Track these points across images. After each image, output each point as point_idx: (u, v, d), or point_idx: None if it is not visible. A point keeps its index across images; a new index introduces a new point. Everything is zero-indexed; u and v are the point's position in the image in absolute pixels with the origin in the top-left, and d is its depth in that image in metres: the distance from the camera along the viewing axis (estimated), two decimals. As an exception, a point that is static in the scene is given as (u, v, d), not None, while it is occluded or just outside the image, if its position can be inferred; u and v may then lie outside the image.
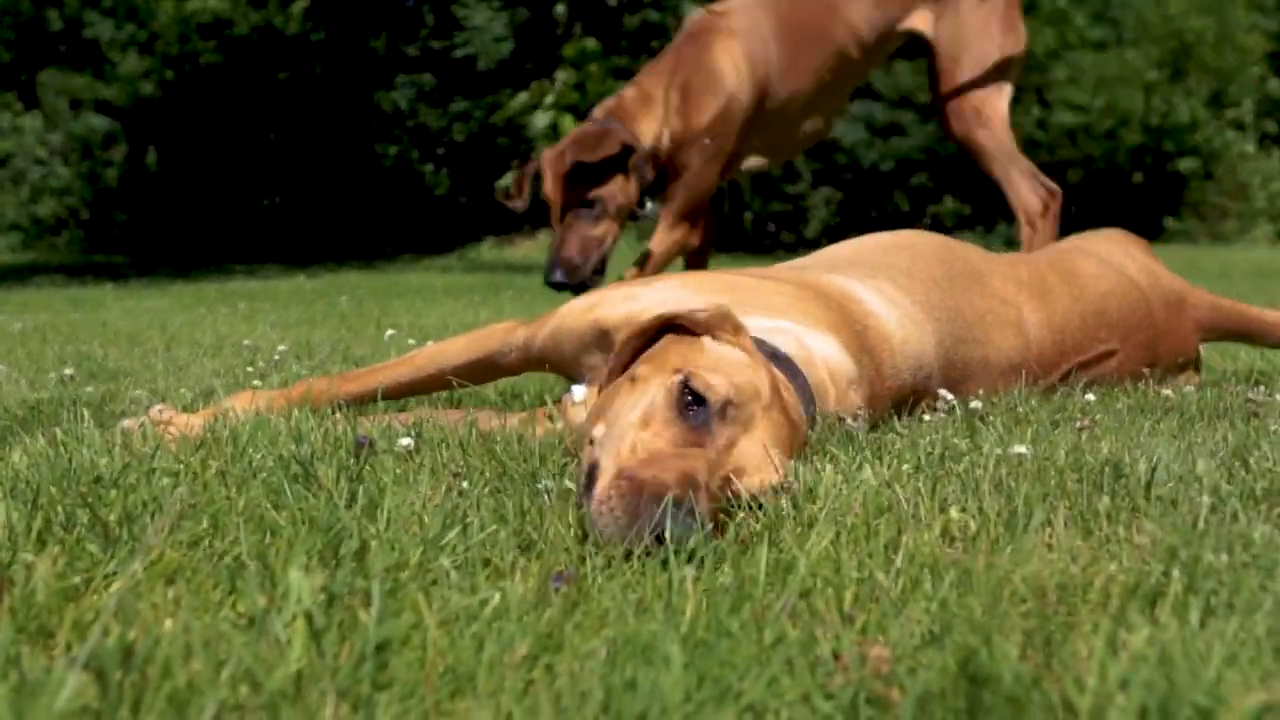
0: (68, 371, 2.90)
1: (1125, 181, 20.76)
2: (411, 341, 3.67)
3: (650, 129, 4.07)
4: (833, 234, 16.24)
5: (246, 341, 3.88)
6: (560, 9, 15.99)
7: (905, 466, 1.58)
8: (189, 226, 20.90)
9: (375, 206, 20.77)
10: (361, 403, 2.24)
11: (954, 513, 1.38)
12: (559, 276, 3.98)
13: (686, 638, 0.99)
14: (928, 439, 1.79)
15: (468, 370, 2.27)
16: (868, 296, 2.09)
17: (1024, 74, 15.87)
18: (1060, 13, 16.06)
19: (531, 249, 14.93)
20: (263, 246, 19.37)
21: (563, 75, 15.35)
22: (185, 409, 2.22)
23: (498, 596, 1.08)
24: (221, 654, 0.94)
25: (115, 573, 1.19)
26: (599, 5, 16.31)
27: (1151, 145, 20.66)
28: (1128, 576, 1.13)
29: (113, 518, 1.36)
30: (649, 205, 4.17)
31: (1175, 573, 1.10)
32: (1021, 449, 1.58)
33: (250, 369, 2.96)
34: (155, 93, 21.81)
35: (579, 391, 1.93)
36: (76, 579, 1.14)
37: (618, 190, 4.00)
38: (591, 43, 15.44)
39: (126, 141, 21.90)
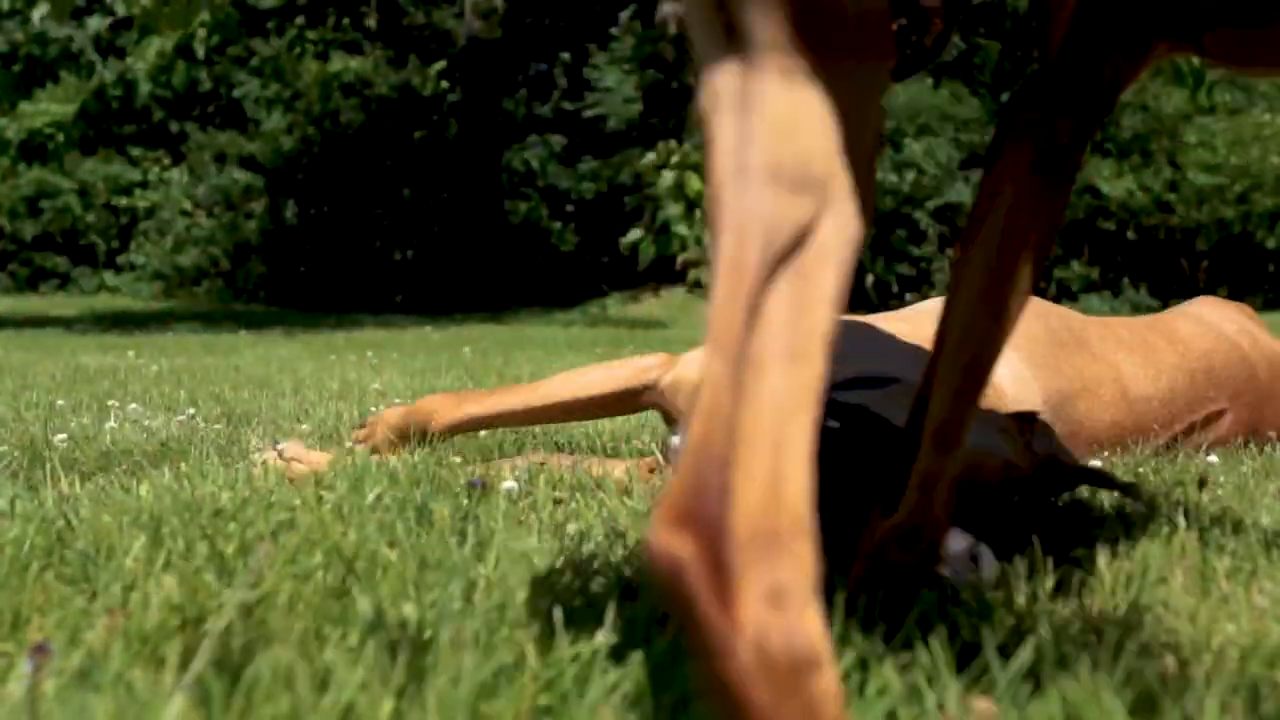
0: (190, 411, 2.99)
1: (1258, 246, 20.29)
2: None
3: None
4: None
5: (375, 385, 3.96)
6: (691, 74, 16.14)
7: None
8: (324, 278, 21.42)
9: (503, 262, 21.10)
10: (485, 428, 2.24)
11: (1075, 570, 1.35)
12: None
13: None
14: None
15: (600, 403, 2.23)
16: None
17: (1151, 139, 15.53)
18: (1196, 73, 15.83)
19: (655, 306, 15.02)
20: (393, 299, 19.77)
21: (690, 137, 15.47)
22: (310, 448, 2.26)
23: (601, 638, 1.07)
24: (326, 682, 0.96)
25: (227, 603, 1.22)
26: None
27: (1282, 210, 20.20)
28: (1245, 637, 1.09)
29: (230, 549, 1.39)
30: None
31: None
32: (1139, 507, 1.54)
33: (373, 409, 3.01)
34: (296, 149, 22.46)
35: (676, 441, 1.92)
36: (191, 609, 1.16)
37: None
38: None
39: (268, 195, 22.56)
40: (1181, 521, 1.53)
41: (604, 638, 1.06)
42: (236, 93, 23.01)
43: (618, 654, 1.07)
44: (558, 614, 1.11)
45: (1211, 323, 2.59)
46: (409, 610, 1.07)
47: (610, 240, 17.56)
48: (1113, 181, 20.52)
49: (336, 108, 22.77)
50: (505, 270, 20.51)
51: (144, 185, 23.22)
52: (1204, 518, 1.57)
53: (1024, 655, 0.98)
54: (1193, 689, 0.92)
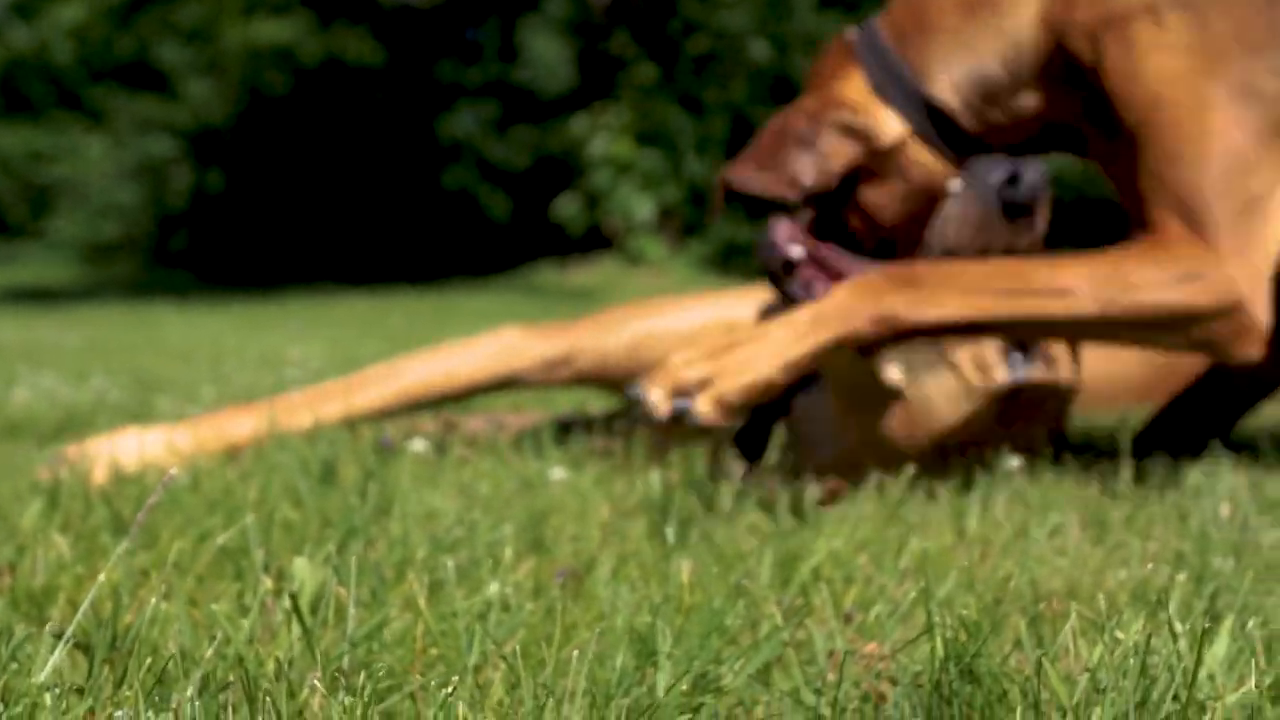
0: (100, 381, 2.95)
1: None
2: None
3: None
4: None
5: (294, 352, 3.93)
6: (621, 38, 16.08)
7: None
8: (252, 249, 21.16)
9: (435, 231, 20.93)
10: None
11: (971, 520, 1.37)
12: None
13: (680, 632, 0.99)
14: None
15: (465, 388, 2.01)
16: None
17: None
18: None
19: (587, 274, 14.97)
20: (324, 268, 19.57)
21: (622, 102, 15.42)
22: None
23: (494, 589, 1.08)
24: (214, 636, 0.95)
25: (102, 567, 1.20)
26: (660, 34, 16.38)
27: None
28: (1135, 582, 1.12)
29: (128, 511, 1.37)
30: None
31: (1181, 577, 1.08)
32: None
33: (283, 379, 3.00)
34: (222, 117, 22.12)
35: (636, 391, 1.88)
36: (80, 567, 1.15)
37: None
38: (651, 70, 15.50)
39: (192, 164, 22.22)
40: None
41: (496, 589, 1.07)
42: (156, 58, 22.61)
43: (511, 606, 1.07)
44: (450, 566, 1.12)
45: None
46: (300, 565, 1.07)
47: (543, 209, 17.49)
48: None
49: (262, 74, 22.46)
50: (437, 239, 20.37)
51: (62, 154, 22.80)
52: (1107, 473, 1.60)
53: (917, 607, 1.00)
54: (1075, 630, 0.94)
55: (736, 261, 15.71)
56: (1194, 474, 1.54)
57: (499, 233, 21.97)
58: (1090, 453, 1.77)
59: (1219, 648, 0.89)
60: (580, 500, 1.50)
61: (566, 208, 15.96)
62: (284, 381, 3.17)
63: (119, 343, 5.08)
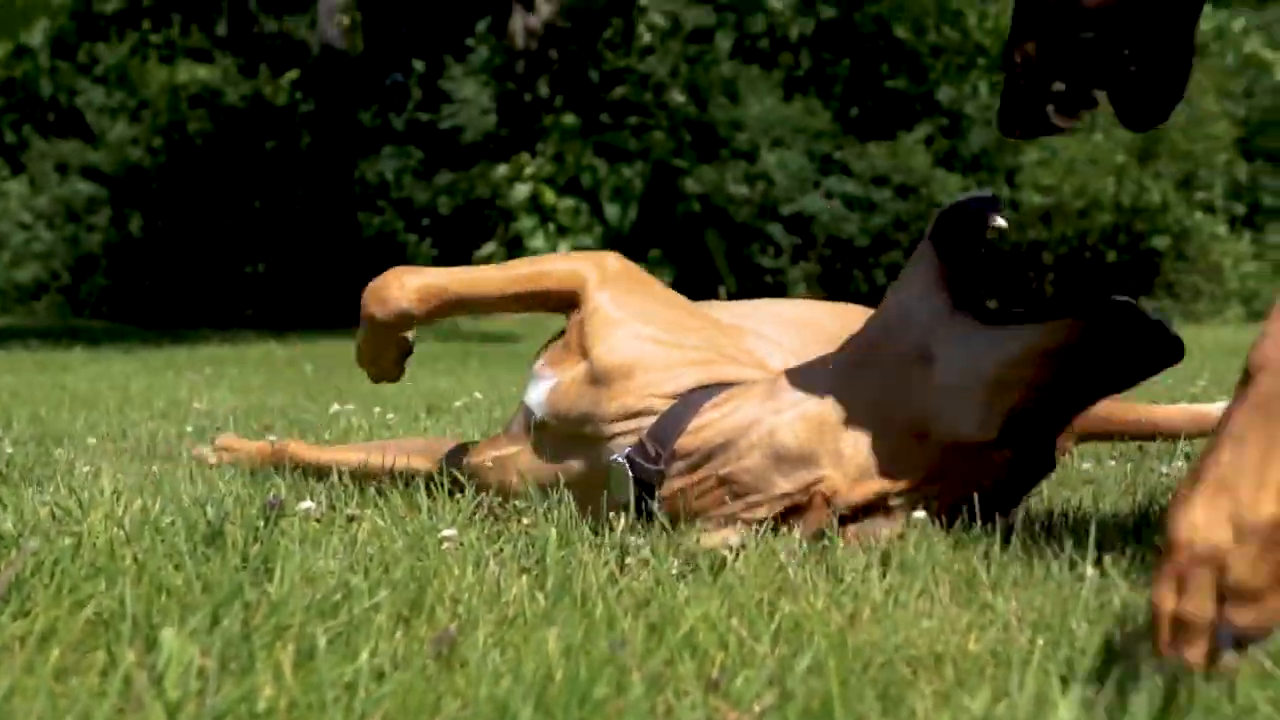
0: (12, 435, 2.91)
1: (1100, 261, 20.98)
2: (363, 425, 3.68)
3: None
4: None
5: (197, 405, 3.89)
6: (543, 86, 16.18)
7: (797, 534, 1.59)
8: (170, 293, 20.91)
9: (356, 275, 20.81)
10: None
11: (847, 580, 1.39)
12: None
13: (545, 701, 1.00)
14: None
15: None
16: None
17: (996, 155, 16.04)
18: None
19: (507, 320, 14.99)
20: (243, 313, 19.39)
21: (543, 149, 15.51)
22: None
23: (364, 658, 1.08)
24: (81, 714, 0.95)
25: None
26: (581, 81, 16.50)
27: (1124, 224, 20.93)
28: (998, 645, 1.14)
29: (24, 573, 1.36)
30: None
31: (1040, 641, 1.11)
32: (919, 514, 1.59)
33: (189, 429, 2.97)
34: (142, 159, 21.91)
35: None
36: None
37: None
38: (571, 118, 15.61)
39: (112, 207, 21.96)
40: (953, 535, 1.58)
41: (366, 658, 1.07)
42: (79, 100, 22.38)
43: (383, 675, 1.07)
44: (322, 634, 1.12)
45: None
46: (168, 636, 1.06)
47: (466, 254, 17.47)
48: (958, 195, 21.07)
49: (184, 117, 22.28)
50: (358, 284, 20.17)
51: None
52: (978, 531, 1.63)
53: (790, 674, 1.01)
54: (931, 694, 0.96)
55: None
56: (1066, 535, 1.58)
57: (422, 278, 21.92)
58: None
59: (1063, 713, 0.92)
60: (466, 560, 1.50)
61: (488, 253, 15.98)
62: (194, 432, 3.16)
63: (23, 389, 5.01)
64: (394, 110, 25.19)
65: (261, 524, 1.63)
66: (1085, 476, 2.29)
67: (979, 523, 1.59)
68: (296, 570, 1.42)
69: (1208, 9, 11.25)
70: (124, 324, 17.81)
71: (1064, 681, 1.02)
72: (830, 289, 19.36)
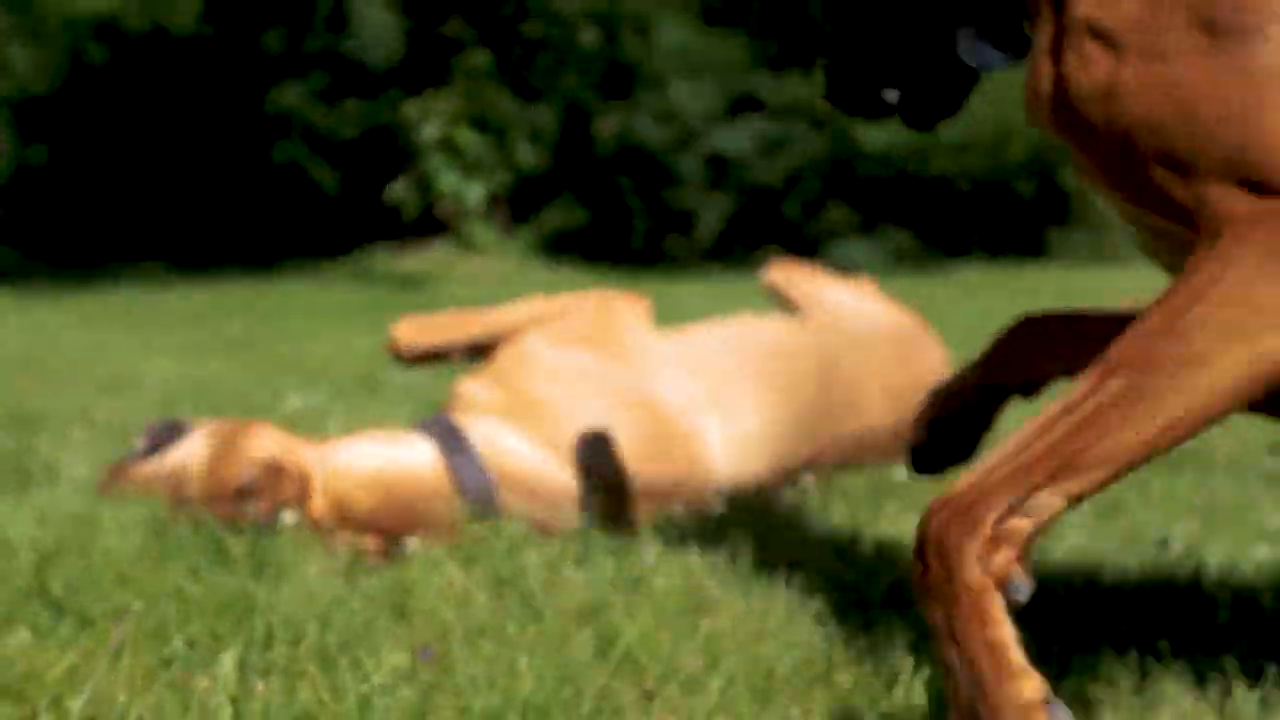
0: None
1: (1011, 194, 21.36)
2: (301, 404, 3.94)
3: None
4: (725, 243, 16.68)
5: (151, 378, 4.14)
6: (455, 22, 16.20)
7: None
8: (76, 225, 20.71)
9: (266, 207, 20.72)
10: None
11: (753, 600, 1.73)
12: None
13: (526, 709, 1.32)
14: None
15: None
16: None
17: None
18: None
19: (423, 260, 15.15)
20: (148, 246, 19.29)
21: (453, 86, 15.58)
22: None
23: (376, 678, 1.40)
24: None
25: (64, 650, 1.49)
26: (493, 18, 16.55)
27: (1037, 157, 21.31)
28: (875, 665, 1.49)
29: (60, 592, 1.65)
30: None
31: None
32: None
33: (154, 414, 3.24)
34: (43, 88, 21.57)
35: None
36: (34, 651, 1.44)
37: None
38: (483, 56, 15.68)
39: (13, 137, 21.63)
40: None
41: (374, 673, 1.39)
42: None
43: (388, 688, 1.39)
44: (342, 644, 1.43)
45: None
46: (230, 660, 1.37)
47: (375, 189, 17.50)
48: (873, 131, 21.38)
49: (84, 43, 21.94)
50: (269, 217, 20.19)
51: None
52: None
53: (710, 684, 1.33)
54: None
55: (566, 248, 16.07)
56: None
57: (331, 211, 21.89)
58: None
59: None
60: (436, 573, 1.82)
61: (399, 191, 16.05)
62: (144, 407, 3.42)
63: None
64: (298, 36, 24.96)
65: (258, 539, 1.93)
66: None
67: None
68: (297, 587, 1.72)
69: None
70: (29, 256, 17.68)
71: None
72: (741, 226, 19.59)
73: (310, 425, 3.16)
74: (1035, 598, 1.53)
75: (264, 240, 18.92)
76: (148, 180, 21.54)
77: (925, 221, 21.62)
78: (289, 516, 2.04)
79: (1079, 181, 1.46)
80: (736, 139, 21.31)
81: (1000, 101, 21.14)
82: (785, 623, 1.62)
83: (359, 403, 3.64)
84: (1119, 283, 9.69)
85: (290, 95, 23.30)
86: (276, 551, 1.89)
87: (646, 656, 1.48)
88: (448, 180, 15.24)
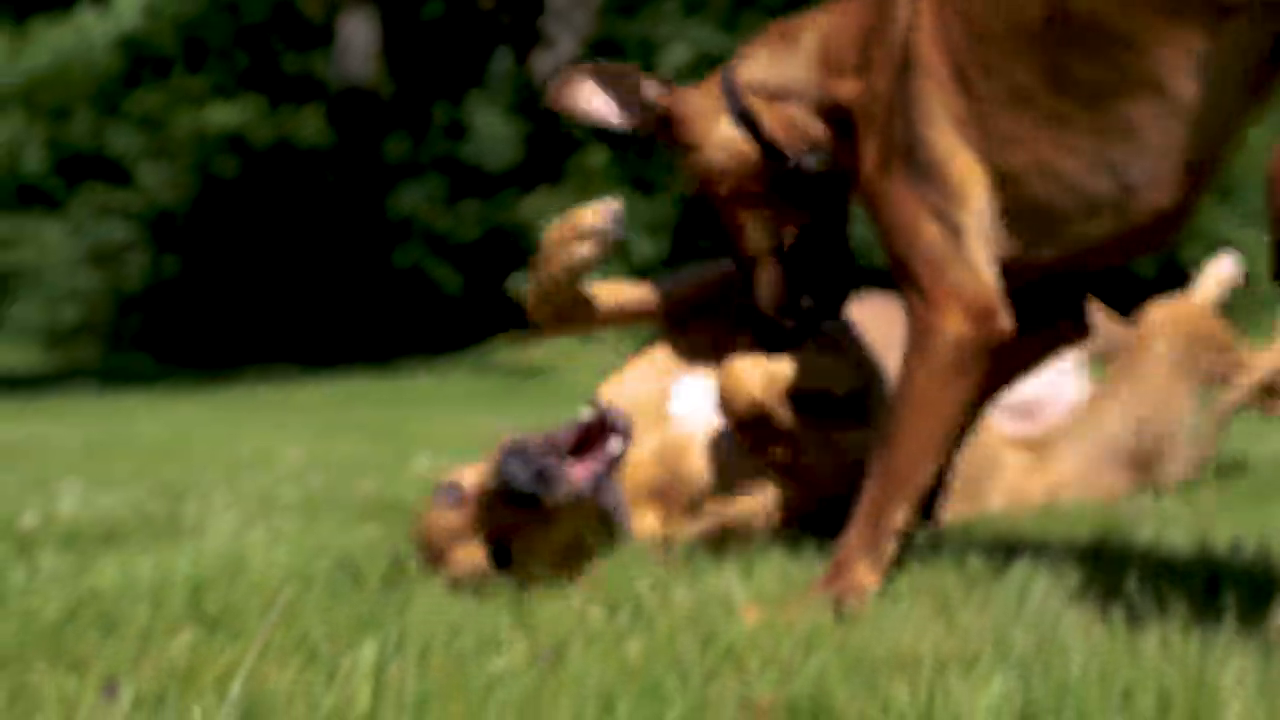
0: (133, 490, 3.38)
1: (1132, 275, 21.20)
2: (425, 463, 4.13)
3: None
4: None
5: (291, 454, 4.38)
6: (566, 122, 16.66)
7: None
8: (207, 330, 21.47)
9: (388, 307, 21.30)
10: None
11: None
12: None
13: (635, 698, 1.44)
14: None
15: None
16: None
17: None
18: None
19: (540, 352, 15.46)
20: (278, 348, 19.91)
21: (568, 184, 15.98)
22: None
23: (500, 664, 1.53)
24: (315, 701, 1.40)
25: (221, 651, 1.65)
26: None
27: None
28: (957, 649, 1.58)
29: (214, 612, 1.82)
30: None
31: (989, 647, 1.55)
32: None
33: (289, 483, 3.44)
34: (175, 202, 22.52)
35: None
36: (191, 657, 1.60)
37: None
38: (600, 155, 16.09)
39: (147, 249, 22.58)
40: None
41: (503, 663, 1.52)
42: (111, 147, 23.03)
43: (513, 676, 1.52)
44: (468, 646, 1.57)
45: None
46: (371, 651, 1.52)
47: (495, 285, 17.90)
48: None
49: (213, 158, 22.87)
50: (391, 316, 20.75)
51: (22, 241, 23.10)
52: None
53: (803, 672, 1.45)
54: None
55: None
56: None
57: (453, 308, 22.44)
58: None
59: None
60: (554, 593, 1.95)
61: (520, 285, 16.43)
62: (281, 480, 3.62)
63: (108, 440, 5.49)
64: (417, 144, 25.76)
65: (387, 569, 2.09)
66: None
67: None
68: (426, 600, 1.87)
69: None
70: (165, 361, 18.37)
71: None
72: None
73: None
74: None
75: (388, 339, 19.44)
76: (276, 286, 22.30)
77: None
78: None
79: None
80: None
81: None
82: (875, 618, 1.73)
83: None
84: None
85: (410, 199, 24.06)
86: (408, 579, 2.04)
87: (747, 648, 1.60)
88: (566, 275, 15.55)
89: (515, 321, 12.03)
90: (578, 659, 1.58)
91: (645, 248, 15.38)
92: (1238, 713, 1.28)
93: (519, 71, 18.55)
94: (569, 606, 1.88)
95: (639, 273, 11.46)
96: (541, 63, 16.99)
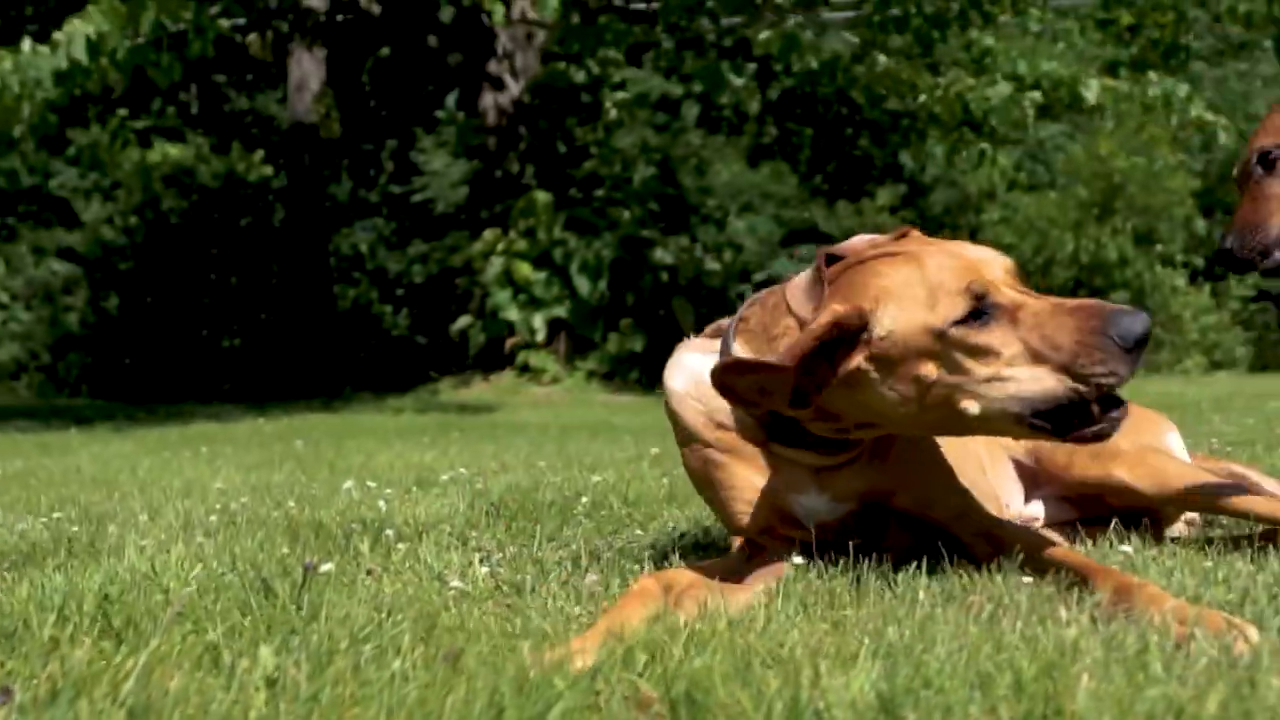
0: (56, 515, 3.38)
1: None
2: (364, 485, 4.15)
3: None
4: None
5: (217, 484, 4.37)
6: (514, 162, 16.75)
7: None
8: (149, 369, 21.32)
9: (334, 347, 21.26)
10: None
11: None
12: (1227, 243, 2.91)
13: (528, 690, 1.48)
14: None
15: None
16: None
17: (958, 214, 16.47)
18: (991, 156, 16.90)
19: (485, 390, 15.49)
20: (222, 388, 19.82)
21: (515, 224, 16.05)
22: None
23: (396, 665, 1.57)
24: (208, 704, 1.43)
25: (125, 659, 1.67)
26: (551, 157, 17.08)
27: (1084, 279, 21.47)
28: (835, 645, 1.64)
29: (120, 624, 1.85)
30: None
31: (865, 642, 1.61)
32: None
33: (217, 509, 3.45)
34: (118, 239, 22.39)
35: None
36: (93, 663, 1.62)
37: None
38: (544, 195, 16.18)
39: (89, 287, 22.41)
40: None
41: (399, 665, 1.56)
42: (54, 183, 22.90)
43: (408, 678, 1.56)
44: (367, 652, 1.60)
45: None
46: (265, 651, 1.55)
47: (442, 325, 17.95)
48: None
49: (158, 196, 22.77)
50: (336, 355, 20.71)
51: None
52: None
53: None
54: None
55: (624, 374, 16.39)
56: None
57: (399, 348, 22.45)
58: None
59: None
60: (469, 605, 1.99)
61: (463, 325, 16.46)
62: (226, 512, 3.63)
63: (40, 471, 5.46)
64: (366, 184, 25.82)
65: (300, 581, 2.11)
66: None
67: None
68: (337, 611, 1.90)
69: (1153, 75, 11.41)
70: (107, 400, 18.22)
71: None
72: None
73: (365, 509, 3.36)
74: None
75: (334, 377, 19.40)
76: (222, 324, 22.19)
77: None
78: (328, 565, 2.23)
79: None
80: (794, 266, 21.74)
81: (1046, 228, 21.44)
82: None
83: (413, 494, 3.84)
84: (1168, 390, 9.75)
85: (357, 238, 24.06)
86: (319, 593, 2.07)
87: (640, 647, 1.65)
88: (510, 314, 15.65)
89: (459, 361, 12.07)
90: (473, 662, 1.62)
91: (584, 285, 15.48)
92: (1088, 691, 1.35)
93: (467, 115, 18.65)
94: (471, 614, 1.93)
95: (582, 309, 11.55)
96: (489, 104, 17.07)
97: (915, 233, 2.17)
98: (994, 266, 2.04)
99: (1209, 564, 2.20)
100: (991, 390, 1.95)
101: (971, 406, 1.97)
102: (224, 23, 12.48)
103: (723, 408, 2.21)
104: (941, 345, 1.95)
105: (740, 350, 2.17)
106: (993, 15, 12.40)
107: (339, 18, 17.21)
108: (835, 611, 1.87)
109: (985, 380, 1.95)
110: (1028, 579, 1.97)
